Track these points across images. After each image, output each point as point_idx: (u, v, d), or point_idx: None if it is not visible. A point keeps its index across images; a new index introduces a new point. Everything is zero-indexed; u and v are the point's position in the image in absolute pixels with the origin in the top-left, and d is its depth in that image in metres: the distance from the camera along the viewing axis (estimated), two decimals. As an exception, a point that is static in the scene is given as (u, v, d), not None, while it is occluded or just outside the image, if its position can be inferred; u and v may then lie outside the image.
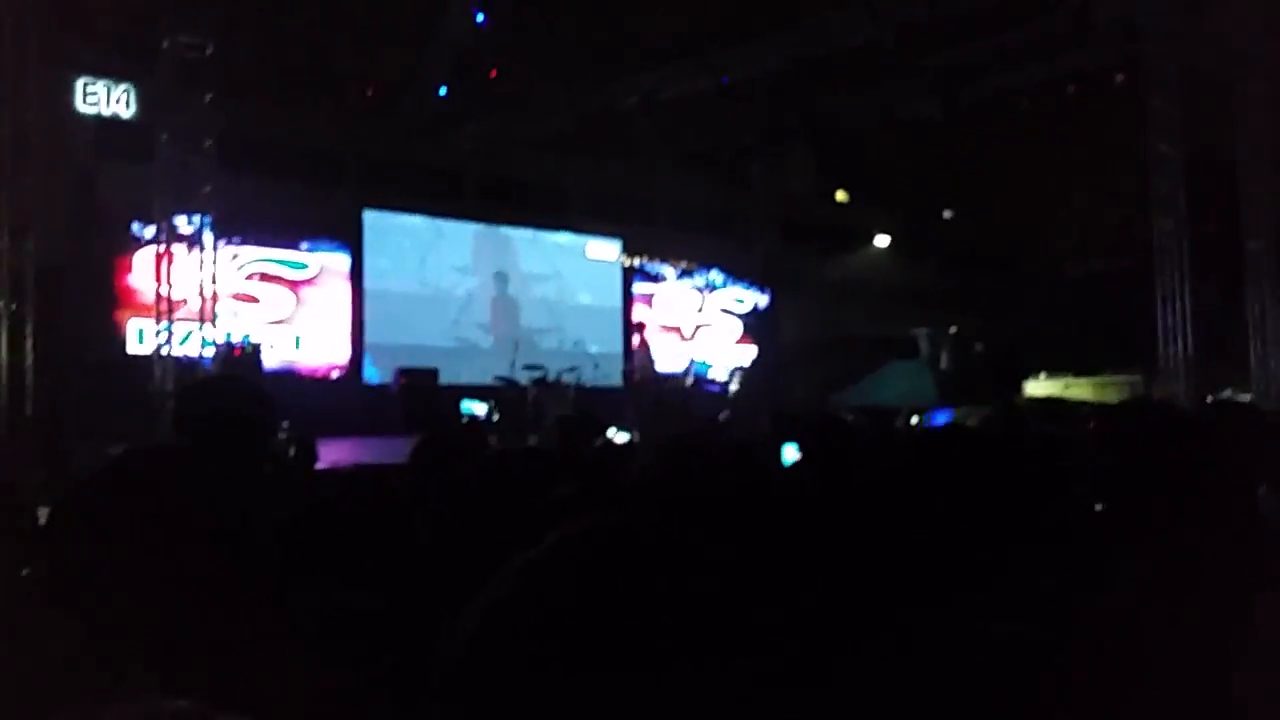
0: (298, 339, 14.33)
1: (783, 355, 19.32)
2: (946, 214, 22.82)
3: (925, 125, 16.80)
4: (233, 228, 11.08)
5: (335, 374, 14.73)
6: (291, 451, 4.49)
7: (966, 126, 16.45)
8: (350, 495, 1.82)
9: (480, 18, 12.69)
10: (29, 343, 12.75)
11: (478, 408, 9.15)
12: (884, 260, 21.49)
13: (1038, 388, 19.67)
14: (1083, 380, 19.65)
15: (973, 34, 14.99)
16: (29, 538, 1.92)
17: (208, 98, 8.92)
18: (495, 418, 9.48)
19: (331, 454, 9.48)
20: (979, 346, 20.62)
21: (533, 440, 11.03)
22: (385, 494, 1.81)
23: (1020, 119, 16.55)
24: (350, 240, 15.05)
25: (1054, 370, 20.14)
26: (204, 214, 9.25)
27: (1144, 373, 17.77)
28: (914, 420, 11.27)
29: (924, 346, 19.46)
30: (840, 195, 21.74)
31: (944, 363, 19.26)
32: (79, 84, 13.19)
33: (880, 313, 19.39)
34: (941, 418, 9.86)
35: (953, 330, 20.21)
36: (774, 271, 19.72)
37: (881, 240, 21.65)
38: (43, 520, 1.29)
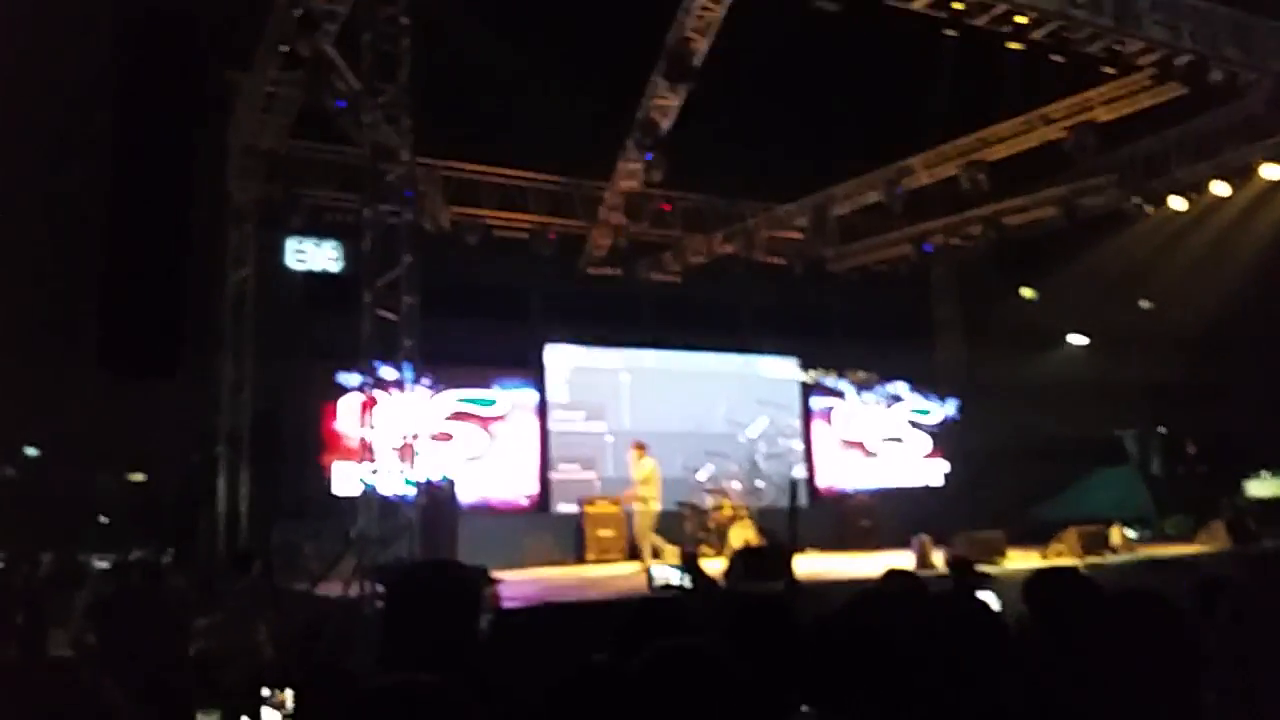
0: (489, 474, 14.78)
1: (977, 468, 18.46)
2: (1144, 304, 21.60)
3: (1113, 217, 16.11)
4: (430, 370, 11.61)
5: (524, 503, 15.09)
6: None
7: (1159, 213, 15.67)
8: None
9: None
10: (244, 489, 13.68)
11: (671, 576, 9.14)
12: (1080, 358, 20.43)
13: (1261, 487, 18.08)
14: (1314, 477, 17.98)
15: (1158, 125, 14.45)
16: None
17: (406, 258, 9.47)
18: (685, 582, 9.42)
19: (523, 589, 9.61)
20: (1191, 446, 19.21)
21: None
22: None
23: (1216, 202, 15.64)
24: (537, 376, 15.55)
25: (1277, 467, 18.51)
26: (406, 363, 9.73)
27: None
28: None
29: (1132, 449, 18.27)
30: (1027, 293, 20.94)
31: (1155, 467, 18.00)
32: (290, 244, 14.35)
33: (1081, 415, 18.31)
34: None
35: (1162, 430, 18.91)
36: (962, 379, 19.04)
37: (1076, 339, 20.64)
38: None
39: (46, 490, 23.51)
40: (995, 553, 11.50)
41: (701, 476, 14.68)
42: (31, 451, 26.70)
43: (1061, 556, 11.95)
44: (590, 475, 15.42)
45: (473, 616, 2.40)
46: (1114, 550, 12.36)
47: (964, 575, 6.34)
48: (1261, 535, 13.49)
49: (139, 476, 22.91)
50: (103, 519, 23.97)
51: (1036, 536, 13.33)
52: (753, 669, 1.88)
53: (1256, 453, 18.53)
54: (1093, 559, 11.51)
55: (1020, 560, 11.63)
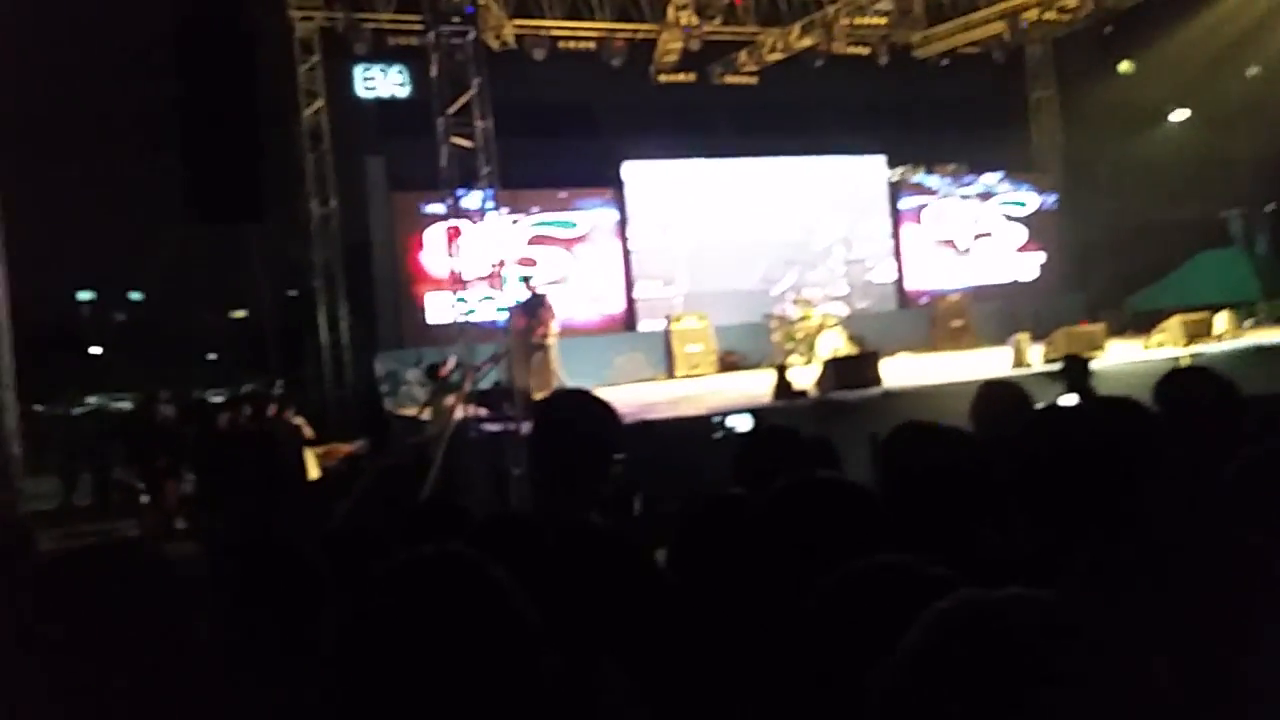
0: (576, 295, 14.87)
1: (1074, 258, 17.90)
2: (1252, 72, 20.13)
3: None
4: (508, 194, 11.54)
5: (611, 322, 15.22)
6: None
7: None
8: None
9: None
10: (343, 321, 14.05)
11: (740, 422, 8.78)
12: (1182, 135, 19.30)
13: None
14: None
15: None
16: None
17: (475, 80, 9.23)
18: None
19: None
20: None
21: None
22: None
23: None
24: (616, 195, 15.36)
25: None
26: (487, 189, 9.65)
27: None
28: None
29: (1236, 230, 17.44)
30: (1124, 67, 19.64)
31: (1262, 247, 17.20)
32: (357, 71, 14.12)
33: (1185, 196, 17.46)
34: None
35: (1270, 208, 17.95)
36: (1059, 164, 18.20)
37: (1178, 114, 19.43)
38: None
39: (155, 331, 24.62)
40: (1095, 346, 11.27)
41: (784, 286, 14.56)
42: (136, 296, 27.81)
43: (1164, 345, 11.68)
44: (673, 291, 15.40)
45: (613, 446, 2.47)
46: (1218, 338, 11.99)
47: (1081, 376, 6.16)
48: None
49: (241, 313, 23.77)
50: (211, 356, 25.11)
51: (1139, 326, 13.01)
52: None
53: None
54: (1198, 346, 11.21)
55: (1122, 352, 11.41)
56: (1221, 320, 12.25)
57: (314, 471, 10.19)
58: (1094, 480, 1.78)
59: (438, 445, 9.00)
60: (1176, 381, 2.74)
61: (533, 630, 1.18)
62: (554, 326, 12.07)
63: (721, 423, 8.69)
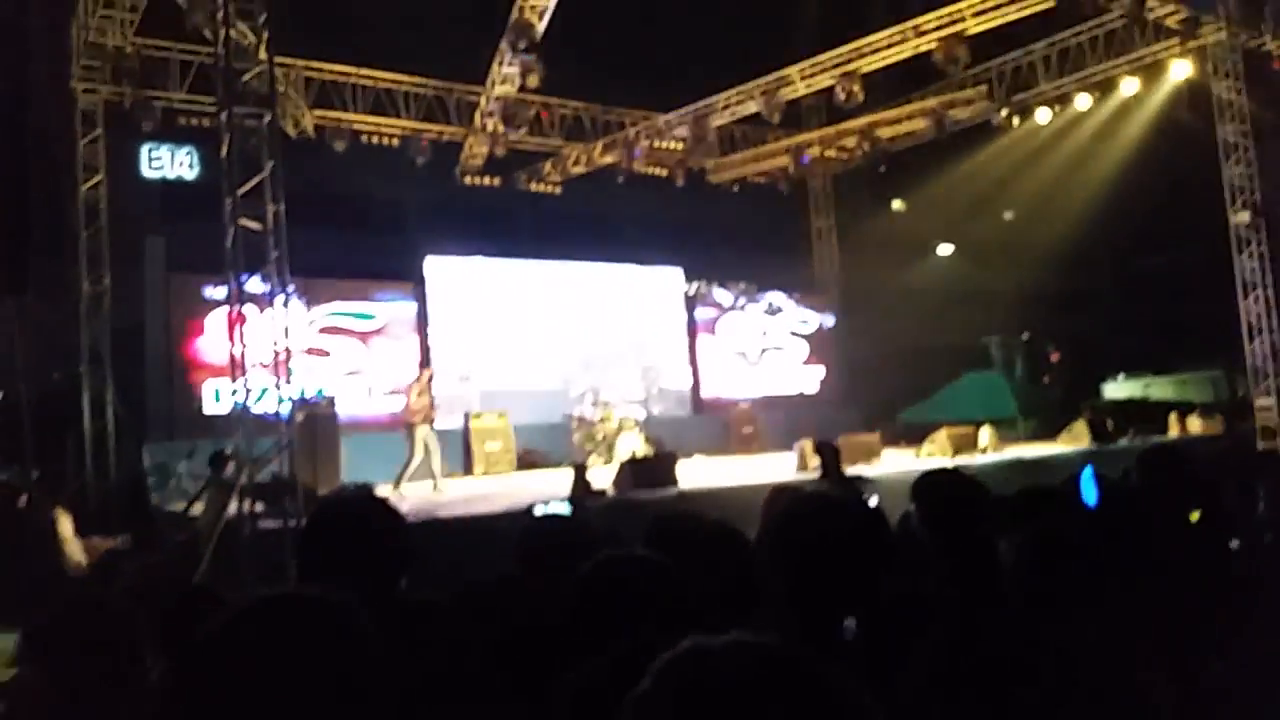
0: (369, 389, 14.45)
1: (851, 374, 19.01)
2: (1008, 215, 22.35)
3: (979, 129, 16.53)
4: (302, 283, 11.19)
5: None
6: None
7: (1023, 126, 16.14)
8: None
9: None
10: (109, 408, 13.06)
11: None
12: (948, 268, 21.09)
13: (1117, 389, 19.15)
14: (1163, 379, 19.10)
15: (1025, 39, 14.80)
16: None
17: (269, 164, 8.99)
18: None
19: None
20: (1052, 350, 20.16)
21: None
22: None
23: (1079, 116, 16.18)
24: (416, 288, 15.20)
25: (1132, 370, 19.59)
26: (274, 275, 9.32)
27: (1225, 367, 17.25)
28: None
29: (996, 355, 19.05)
30: (896, 204, 21.40)
31: (1019, 370, 18.84)
32: (144, 150, 13.51)
33: (949, 323, 18.97)
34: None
35: (1024, 336, 19.77)
36: (837, 288, 19.45)
37: (944, 249, 21.27)
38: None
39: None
40: (872, 454, 11.91)
41: (582, 388, 14.70)
42: None
43: (933, 456, 12.45)
44: (471, 389, 15.24)
45: (401, 545, 2.28)
46: (983, 450, 12.93)
47: (841, 474, 6.50)
48: (1118, 434, 14.30)
49: (-5, 397, 21.69)
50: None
51: (910, 437, 13.85)
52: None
53: (1113, 357, 19.58)
54: (963, 458, 12.02)
55: (895, 461, 12.07)
56: (985, 434, 13.24)
57: (79, 560, 9.26)
58: (846, 569, 1.89)
59: (208, 542, 8.41)
60: (929, 481, 3.00)
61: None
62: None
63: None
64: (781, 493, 3.71)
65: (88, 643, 1.66)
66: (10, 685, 1.91)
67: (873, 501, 3.10)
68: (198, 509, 9.74)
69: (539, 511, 8.32)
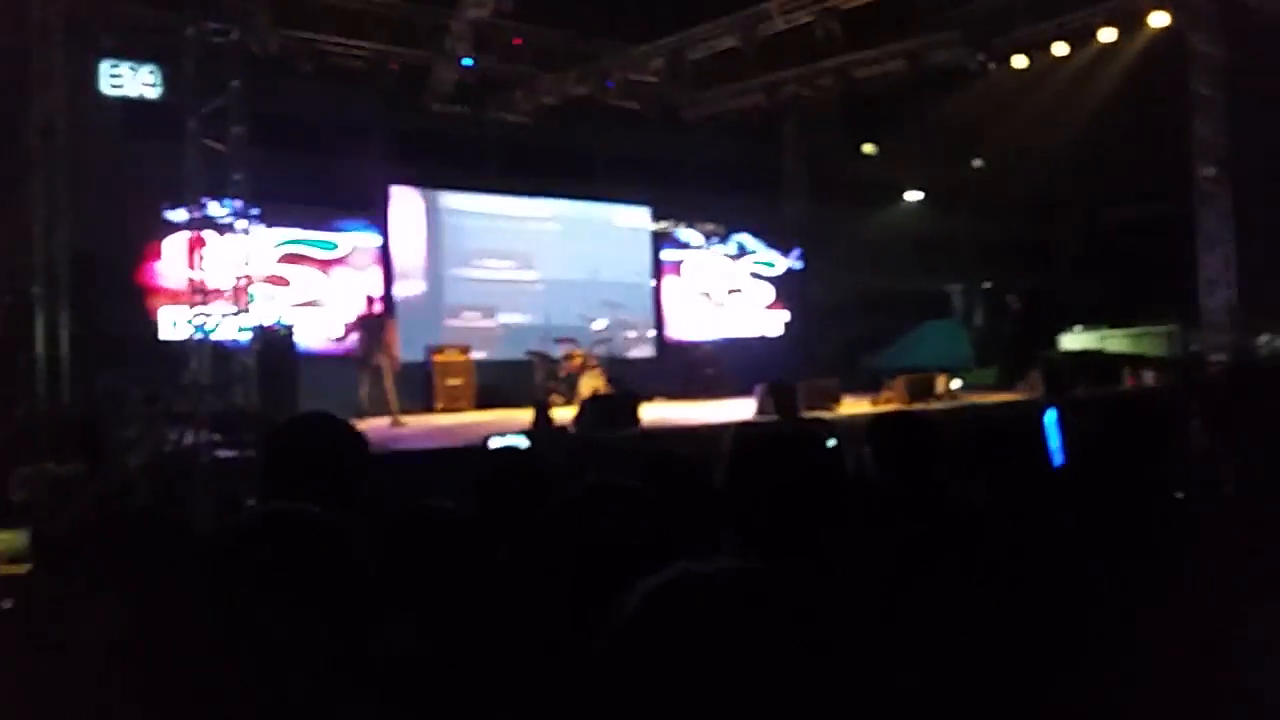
0: (329, 320, 14.30)
1: (815, 319, 19.07)
2: (977, 163, 22.38)
3: (954, 73, 16.42)
4: (264, 209, 10.98)
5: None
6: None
7: (998, 73, 16.07)
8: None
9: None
10: (64, 331, 12.82)
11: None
12: (915, 215, 21.11)
13: (1074, 341, 19.38)
14: (1119, 332, 19.34)
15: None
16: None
17: (233, 84, 8.78)
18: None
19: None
20: (1013, 301, 20.32)
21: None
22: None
23: (1054, 63, 16.12)
24: (379, 218, 14.97)
25: (1090, 322, 19.80)
26: (236, 199, 9.17)
27: (1180, 322, 17.48)
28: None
29: (957, 303, 19.20)
30: (867, 148, 21.33)
31: (978, 320, 19.00)
32: (104, 67, 13.10)
33: (913, 270, 19.06)
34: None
35: (986, 285, 19.91)
36: (804, 232, 19.42)
37: (912, 195, 21.25)
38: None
39: None
40: (831, 400, 12.00)
41: (545, 325, 14.65)
42: None
43: (890, 403, 12.58)
44: (434, 323, 15.14)
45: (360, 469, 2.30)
46: (938, 397, 13.08)
47: (796, 417, 6.57)
48: (1073, 385, 14.49)
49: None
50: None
51: (868, 385, 13.98)
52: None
53: (1071, 309, 19.78)
54: (919, 405, 12.15)
55: (853, 407, 12.19)
56: (941, 382, 13.38)
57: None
58: (797, 506, 1.91)
59: (143, 473, 8.35)
60: (883, 423, 3.05)
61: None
62: (397, 350, 11.61)
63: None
64: (741, 430, 3.75)
65: (105, 552, 1.66)
66: (24, 582, 1.93)
67: (830, 444, 3.14)
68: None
69: (495, 444, 8.39)
